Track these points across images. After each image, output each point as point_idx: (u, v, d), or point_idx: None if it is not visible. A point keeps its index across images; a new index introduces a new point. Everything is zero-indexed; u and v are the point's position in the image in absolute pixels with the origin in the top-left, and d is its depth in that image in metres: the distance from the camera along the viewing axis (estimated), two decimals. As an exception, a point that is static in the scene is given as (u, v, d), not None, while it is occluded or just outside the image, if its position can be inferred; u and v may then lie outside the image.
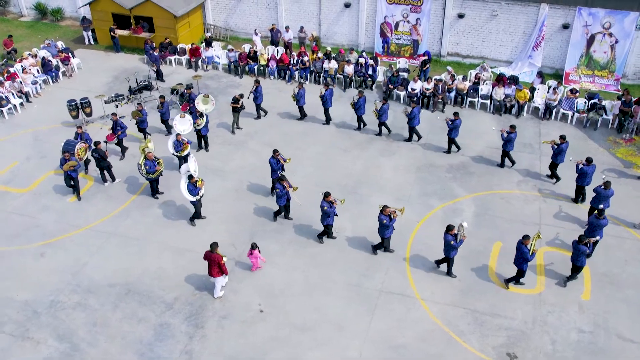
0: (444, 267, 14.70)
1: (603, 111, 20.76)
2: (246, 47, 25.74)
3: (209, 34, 26.89)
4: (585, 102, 21.14)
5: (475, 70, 23.78)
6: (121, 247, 15.50)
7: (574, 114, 21.09)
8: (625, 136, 20.23)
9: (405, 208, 15.17)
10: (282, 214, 16.29)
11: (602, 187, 15.30)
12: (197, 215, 16.22)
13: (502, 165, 18.61)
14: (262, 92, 21.08)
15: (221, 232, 15.93)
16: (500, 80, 22.45)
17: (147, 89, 23.08)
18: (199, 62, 25.44)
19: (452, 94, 22.30)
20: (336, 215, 15.25)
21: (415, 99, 21.54)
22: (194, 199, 15.58)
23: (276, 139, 20.32)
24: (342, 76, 23.78)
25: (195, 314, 13.51)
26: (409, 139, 20.15)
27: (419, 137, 20.16)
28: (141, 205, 17.07)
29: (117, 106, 21.19)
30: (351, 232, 15.91)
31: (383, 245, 15.02)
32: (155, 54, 24.41)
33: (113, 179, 18.01)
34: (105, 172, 17.84)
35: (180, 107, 21.36)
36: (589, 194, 16.36)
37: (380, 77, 23.78)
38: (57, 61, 24.60)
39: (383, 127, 20.40)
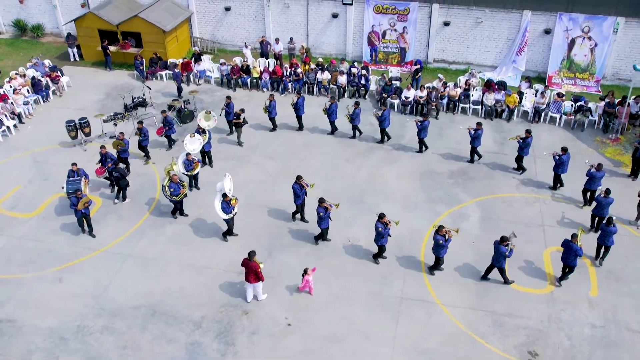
0: (458, 271, 15.28)
1: (589, 113, 21.76)
2: (237, 60, 25.95)
3: (197, 48, 26.97)
4: (572, 105, 22.10)
5: (464, 76, 24.54)
6: (140, 268, 15.60)
7: (561, 116, 22.02)
8: (612, 136, 21.25)
9: (414, 214, 15.75)
10: (324, 237, 16.25)
11: (603, 195, 16.09)
12: (229, 232, 16.41)
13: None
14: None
15: (238, 249, 16.17)
16: (489, 85, 23.27)
17: (142, 106, 23.09)
18: (191, 76, 25.52)
19: (445, 101, 22.99)
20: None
21: (385, 103, 22.93)
22: (227, 217, 15.78)
23: (279, 151, 20.65)
24: (335, 86, 24.23)
25: (224, 331, 13.74)
26: (381, 141, 20.95)
27: (388, 137, 21.00)
28: (154, 225, 17.16)
29: (115, 125, 21.17)
30: (365, 242, 16.34)
31: (439, 264, 15.26)
32: (177, 70, 24.42)
33: (124, 198, 18.06)
34: (122, 190, 17.94)
35: (180, 124, 21.58)
36: (568, 182, 17.91)
37: (372, 86, 24.33)
38: (46, 80, 24.35)
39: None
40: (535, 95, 22.64)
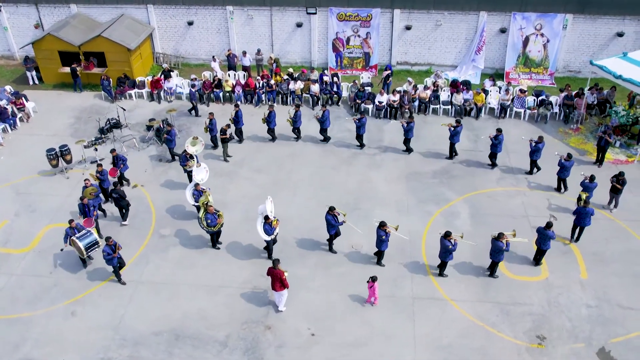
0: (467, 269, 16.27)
1: (550, 106, 23.35)
2: (206, 74, 26.02)
3: (165, 65, 26.81)
4: (534, 100, 23.64)
5: (430, 78, 25.66)
6: (153, 294, 15.66)
7: (525, 111, 23.52)
8: (573, 126, 22.91)
9: (408, 217, 16.81)
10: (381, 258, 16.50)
11: (588, 180, 17.59)
12: (270, 254, 16.57)
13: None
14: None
15: (246, 265, 16.53)
16: (455, 85, 24.49)
17: (117, 127, 22.85)
18: (161, 93, 25.37)
19: (416, 103, 24.01)
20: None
21: (323, 105, 23.94)
22: (269, 238, 16.03)
23: (266, 164, 21.02)
24: (308, 95, 24.77)
25: (251, 348, 14.11)
26: (324, 140, 21.98)
27: (328, 139, 21.97)
28: (156, 249, 17.19)
29: (96, 149, 20.90)
30: (368, 248, 17.03)
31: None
32: (193, 90, 24.19)
33: (124, 218, 18.04)
34: (123, 210, 17.92)
35: (160, 143, 21.55)
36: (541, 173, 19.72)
37: (344, 93, 25.04)
38: (12, 107, 23.59)
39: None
40: (500, 92, 24.04)
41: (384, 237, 15.65)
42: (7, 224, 18.28)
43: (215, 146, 21.71)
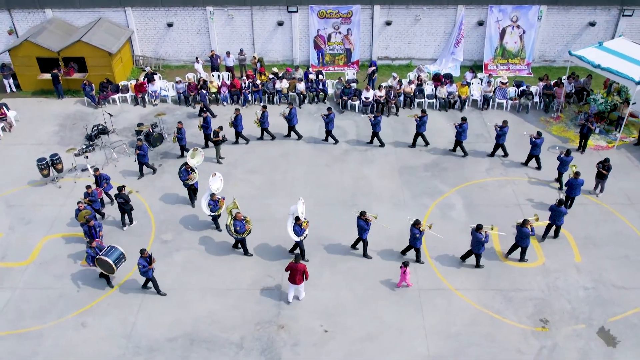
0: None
1: (531, 96, 24.11)
2: (190, 76, 25.92)
3: (148, 68, 26.58)
4: (515, 90, 24.36)
5: (413, 72, 26.14)
6: (162, 301, 15.69)
7: (507, 101, 24.22)
8: (553, 115, 23.72)
9: (405, 211, 17.61)
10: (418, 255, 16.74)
11: (564, 155, 18.77)
12: (303, 253, 16.67)
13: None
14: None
15: (252, 266, 16.71)
16: (437, 79, 25.04)
17: (104, 133, 22.63)
18: (146, 97, 25.17)
19: (401, 98, 24.46)
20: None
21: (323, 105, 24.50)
22: (298, 239, 16.15)
23: (259, 164, 21.15)
24: (294, 94, 24.95)
25: (267, 348, 14.34)
26: (288, 135, 22.40)
27: (299, 136, 22.34)
28: (159, 255, 17.10)
29: (86, 157, 20.69)
30: (370, 243, 17.36)
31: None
32: (204, 92, 24.06)
33: (131, 221, 18.08)
34: (127, 214, 17.89)
35: (150, 148, 21.40)
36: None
37: (330, 90, 25.30)
38: (-7, 117, 23.12)
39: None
40: (481, 84, 24.68)
41: (417, 235, 15.96)
42: (3, 238, 17.98)
43: (205, 145, 21.77)
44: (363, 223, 16.09)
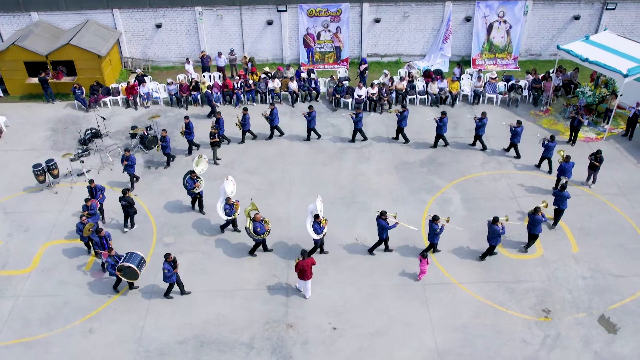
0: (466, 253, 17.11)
1: (520, 90, 24.54)
2: (180, 77, 25.83)
3: (139, 70, 26.41)
4: (504, 85, 24.77)
5: (403, 69, 26.38)
6: (169, 304, 15.70)
7: (497, 96, 24.62)
8: (542, 108, 24.18)
9: (405, 206, 17.91)
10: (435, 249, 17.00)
11: (549, 141, 19.49)
12: (322, 250, 16.92)
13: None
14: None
15: (256, 267, 16.80)
16: (428, 75, 25.33)
17: (97, 137, 22.48)
18: (137, 99, 25.02)
19: (393, 95, 24.70)
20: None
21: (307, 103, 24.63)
22: (317, 237, 16.25)
23: (256, 164, 21.21)
24: (287, 93, 25.03)
25: (278, 347, 14.47)
26: (270, 137, 22.47)
27: (281, 133, 22.52)
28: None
29: (82, 162, 20.56)
30: (372, 239, 17.58)
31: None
32: (210, 91, 23.91)
33: (132, 225, 18.07)
34: (130, 218, 17.88)
35: (145, 150, 21.26)
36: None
37: (322, 88, 25.43)
38: (-17, 124, 22.79)
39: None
40: (471, 79, 25.04)
41: (437, 230, 16.17)
42: (2, 246, 17.80)
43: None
44: (384, 222, 16.25)
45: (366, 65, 25.57)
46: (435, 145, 21.74)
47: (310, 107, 21.85)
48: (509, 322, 15.04)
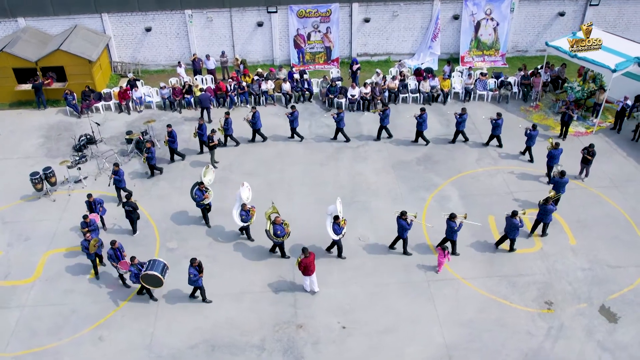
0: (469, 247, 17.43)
1: (510, 86, 24.98)
2: (173, 81, 25.77)
3: (131, 75, 26.27)
4: (494, 81, 25.19)
5: (394, 68, 26.66)
6: (178, 309, 15.76)
7: (487, 93, 25.03)
8: (532, 104, 24.66)
9: (403, 205, 18.23)
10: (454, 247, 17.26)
11: (531, 129, 20.10)
12: (340, 251, 17.06)
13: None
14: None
15: (261, 269, 16.93)
16: (419, 74, 25.65)
17: (92, 143, 22.36)
18: (130, 103, 24.90)
19: (386, 94, 24.96)
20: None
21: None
22: (337, 237, 16.42)
23: (254, 166, 21.29)
24: (280, 94, 25.13)
25: (289, 348, 14.63)
26: (252, 140, 22.53)
27: (264, 138, 22.54)
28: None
29: (79, 169, 20.45)
30: (374, 238, 17.87)
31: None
32: (207, 94, 23.75)
33: (135, 231, 18.11)
34: (133, 223, 17.92)
35: (141, 155, 21.11)
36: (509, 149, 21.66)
37: (315, 89, 25.59)
38: (-26, 132, 22.49)
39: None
40: (462, 77, 25.41)
41: (455, 227, 16.50)
42: (2, 255, 17.66)
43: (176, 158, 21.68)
44: (404, 222, 16.47)
45: (358, 65, 25.76)
46: (455, 139, 22.23)
47: (292, 107, 22.02)
48: (513, 315, 15.40)
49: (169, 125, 21.09)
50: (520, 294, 16.02)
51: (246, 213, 17.13)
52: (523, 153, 21.27)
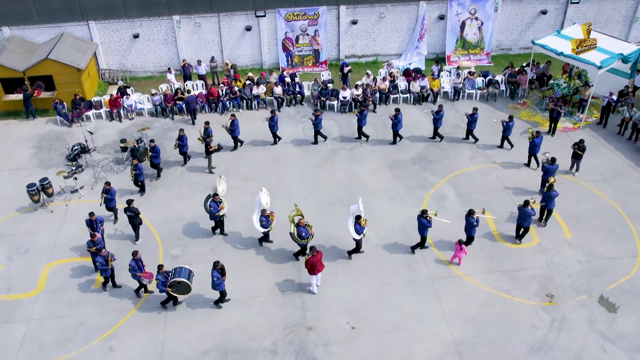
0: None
1: (498, 84, 25.49)
2: (164, 87, 25.70)
3: (121, 82, 26.10)
4: (482, 80, 25.67)
5: (383, 69, 26.98)
6: (187, 316, 15.80)
7: (476, 91, 25.50)
8: (520, 101, 25.20)
9: (403, 204, 18.73)
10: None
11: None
12: (358, 249, 17.32)
13: (507, 146, 22.31)
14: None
15: (266, 272, 17.06)
16: (408, 74, 26.01)
17: (85, 152, 22.21)
18: (121, 111, 24.76)
19: (377, 95, 25.26)
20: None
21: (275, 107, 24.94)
22: (359, 237, 16.67)
23: (251, 171, 21.40)
24: (272, 98, 25.24)
25: (301, 350, 14.80)
26: (237, 146, 22.55)
27: (241, 143, 22.60)
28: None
29: (75, 178, 20.31)
30: (377, 238, 18.13)
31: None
32: (194, 95, 24.01)
33: (137, 238, 18.05)
34: (135, 229, 17.90)
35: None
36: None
37: (306, 92, 25.76)
38: (-36, 145, 22.15)
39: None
40: (450, 76, 25.85)
41: (474, 223, 16.93)
42: (3, 269, 17.47)
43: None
44: (425, 221, 16.78)
45: (349, 67, 26.00)
46: (468, 137, 22.72)
47: (272, 111, 22.17)
48: (516, 309, 15.80)
49: (152, 141, 20.64)
50: (522, 288, 16.44)
51: (266, 219, 17.23)
52: (501, 145, 21.92)
